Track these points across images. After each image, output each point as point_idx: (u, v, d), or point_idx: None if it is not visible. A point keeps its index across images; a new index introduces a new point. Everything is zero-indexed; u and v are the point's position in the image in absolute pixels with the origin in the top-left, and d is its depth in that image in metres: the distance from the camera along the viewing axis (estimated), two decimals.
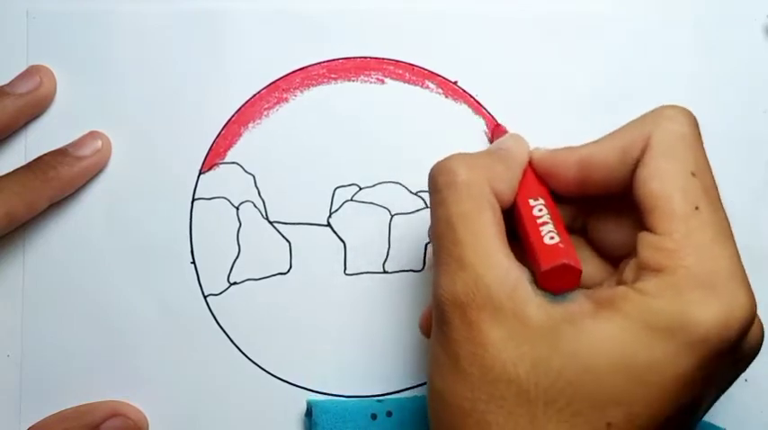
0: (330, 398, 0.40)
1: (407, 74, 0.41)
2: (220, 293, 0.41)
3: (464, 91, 0.41)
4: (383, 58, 0.41)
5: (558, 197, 0.34)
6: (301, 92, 0.41)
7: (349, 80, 0.41)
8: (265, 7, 0.41)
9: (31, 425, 0.40)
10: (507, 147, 0.34)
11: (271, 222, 0.41)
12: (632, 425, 0.28)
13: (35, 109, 0.41)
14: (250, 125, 0.41)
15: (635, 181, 0.31)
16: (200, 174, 0.41)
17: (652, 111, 0.32)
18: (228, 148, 0.41)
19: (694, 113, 0.29)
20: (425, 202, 0.41)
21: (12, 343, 0.41)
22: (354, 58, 0.41)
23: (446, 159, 0.32)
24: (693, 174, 0.30)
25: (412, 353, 0.41)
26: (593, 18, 0.41)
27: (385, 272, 0.41)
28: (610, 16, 0.41)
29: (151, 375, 0.40)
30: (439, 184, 0.31)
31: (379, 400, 0.40)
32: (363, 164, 0.41)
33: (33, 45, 0.41)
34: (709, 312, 0.28)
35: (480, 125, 0.41)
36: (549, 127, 0.40)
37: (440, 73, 0.41)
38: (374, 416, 0.39)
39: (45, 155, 0.40)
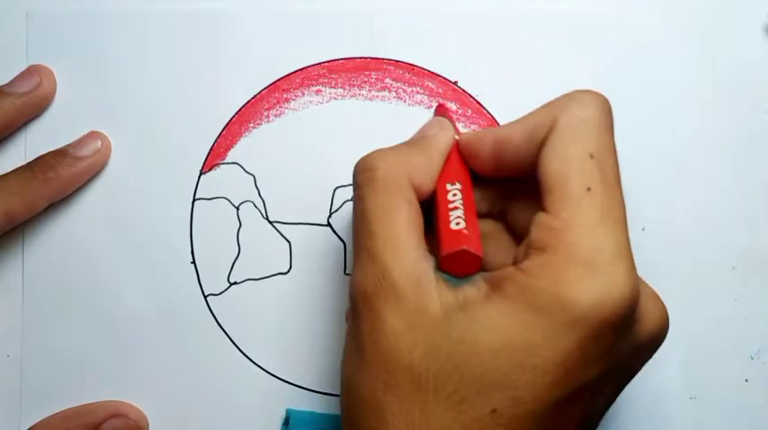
0: (309, 410, 0.40)
1: (407, 74, 0.41)
2: (220, 293, 0.41)
3: (464, 91, 0.41)
4: (383, 58, 0.41)
5: (481, 180, 0.34)
6: (302, 92, 0.41)
7: (349, 81, 0.41)
8: (265, 7, 0.41)
9: (31, 424, 0.40)
10: (430, 134, 0.34)
11: (271, 222, 0.41)
12: (518, 410, 0.28)
13: (35, 109, 0.41)
14: (250, 125, 0.41)
15: (538, 161, 0.31)
16: (200, 174, 0.41)
17: (563, 95, 0.32)
18: (229, 149, 0.41)
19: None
20: None
21: (12, 343, 0.41)
22: (354, 58, 0.41)
23: (367, 155, 0.32)
24: (592, 156, 0.30)
25: None
26: (594, 18, 0.41)
27: None
28: (610, 17, 0.41)
29: (151, 375, 0.40)
30: (359, 181, 0.32)
31: None
32: None
33: (33, 45, 0.41)
34: (586, 291, 0.28)
35: (480, 126, 0.41)
36: None
37: (440, 73, 0.41)
38: None
39: (45, 155, 0.40)
